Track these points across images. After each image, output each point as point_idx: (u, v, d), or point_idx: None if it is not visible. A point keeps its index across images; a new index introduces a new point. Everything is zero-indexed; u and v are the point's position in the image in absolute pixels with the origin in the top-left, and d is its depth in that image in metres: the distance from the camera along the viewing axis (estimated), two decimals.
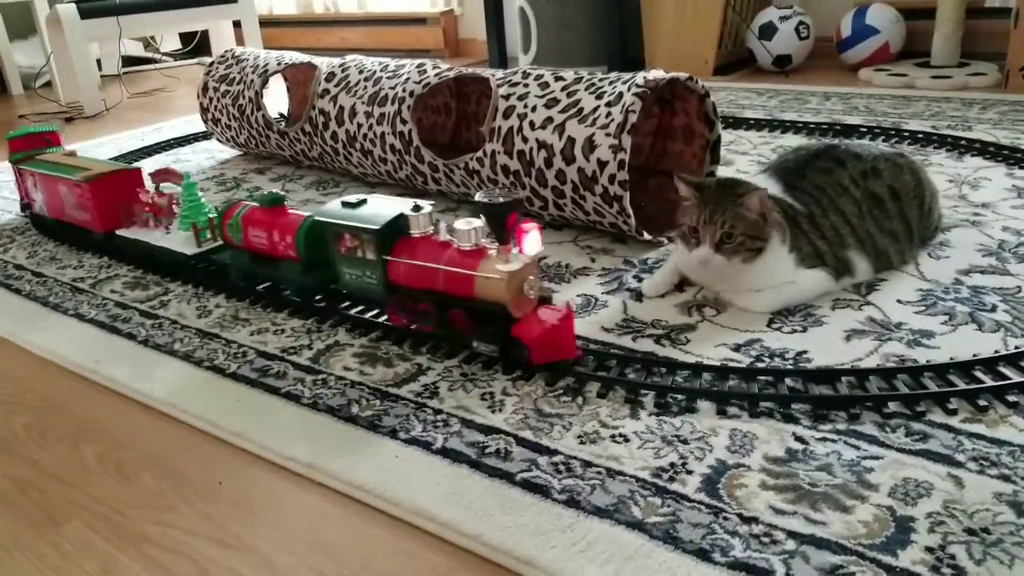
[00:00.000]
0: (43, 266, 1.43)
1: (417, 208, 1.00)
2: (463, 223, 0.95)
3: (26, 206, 1.66)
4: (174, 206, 1.36)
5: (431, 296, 0.98)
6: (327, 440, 0.85)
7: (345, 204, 1.04)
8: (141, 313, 1.20)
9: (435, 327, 0.99)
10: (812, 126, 1.90)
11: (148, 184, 1.44)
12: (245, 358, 1.04)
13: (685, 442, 0.80)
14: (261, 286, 1.22)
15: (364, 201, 1.04)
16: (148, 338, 1.12)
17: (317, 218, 1.05)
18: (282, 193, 1.18)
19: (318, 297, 1.16)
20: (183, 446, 0.89)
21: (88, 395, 1.02)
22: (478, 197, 0.91)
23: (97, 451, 0.90)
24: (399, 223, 1.00)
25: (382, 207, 1.03)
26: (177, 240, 1.32)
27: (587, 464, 0.77)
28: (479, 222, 0.94)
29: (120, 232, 1.39)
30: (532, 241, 0.93)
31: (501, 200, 0.90)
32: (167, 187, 1.40)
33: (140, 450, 0.89)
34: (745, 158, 1.71)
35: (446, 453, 0.81)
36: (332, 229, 1.03)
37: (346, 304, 1.14)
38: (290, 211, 1.16)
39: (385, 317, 1.08)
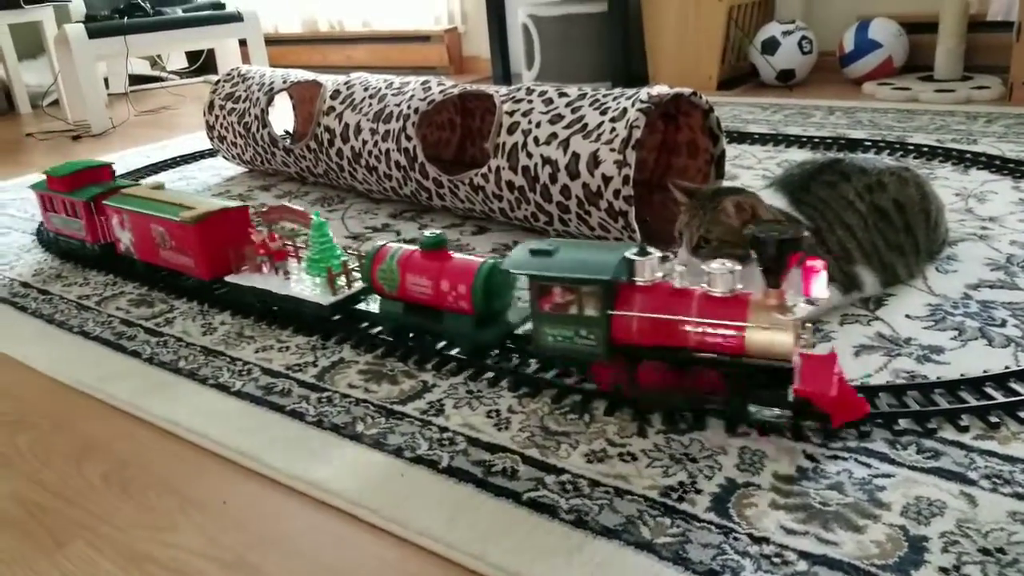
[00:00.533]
0: (49, 284, 1.43)
1: (643, 252, 0.85)
2: (718, 265, 0.81)
3: (106, 245, 1.45)
4: (296, 249, 1.22)
5: (671, 354, 0.83)
6: (332, 459, 0.85)
7: (537, 252, 0.86)
8: (146, 331, 1.20)
9: (675, 391, 0.84)
10: (816, 140, 1.89)
11: (242, 218, 1.29)
12: (250, 375, 1.04)
13: (694, 460, 0.79)
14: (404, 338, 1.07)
15: (556, 248, 0.86)
16: (153, 356, 1.12)
17: (508, 268, 0.87)
18: (444, 235, 1.03)
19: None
20: (188, 465, 0.89)
21: (93, 413, 1.01)
22: (755, 232, 0.77)
23: (101, 470, 0.89)
24: (623, 271, 0.84)
25: (592, 253, 0.85)
26: (303, 288, 1.14)
27: (595, 483, 0.77)
28: (733, 264, 0.81)
29: (231, 279, 1.21)
30: (820, 284, 0.76)
31: (784, 235, 0.75)
32: (278, 225, 1.24)
33: (145, 469, 0.89)
34: (750, 172, 1.71)
35: (452, 472, 0.80)
36: (536, 283, 0.85)
37: (351, 320, 1.13)
38: (454, 255, 1.01)
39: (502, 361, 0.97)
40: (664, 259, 0.86)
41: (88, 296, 1.36)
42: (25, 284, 1.45)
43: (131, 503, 0.83)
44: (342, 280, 1.13)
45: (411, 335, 1.07)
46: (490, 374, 0.98)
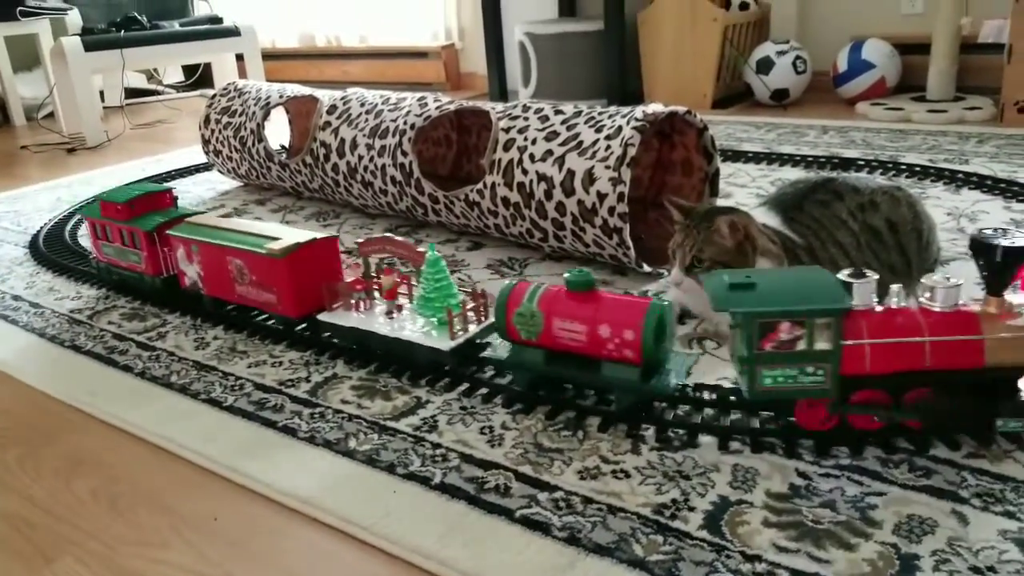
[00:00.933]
0: (41, 297, 1.43)
1: (859, 274, 0.80)
2: (940, 280, 0.78)
3: (168, 278, 1.32)
4: (404, 286, 1.10)
5: (911, 380, 0.78)
6: (324, 475, 0.84)
7: (739, 286, 0.78)
8: (138, 345, 1.20)
9: (928, 416, 0.79)
10: (810, 159, 1.91)
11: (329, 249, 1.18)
12: (242, 391, 1.03)
13: (687, 477, 0.79)
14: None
15: (755, 280, 0.79)
16: (145, 370, 1.12)
17: (724, 308, 0.78)
18: (590, 272, 0.91)
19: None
20: (179, 480, 0.88)
21: (83, 428, 1.01)
22: (981, 237, 0.75)
23: (91, 485, 0.89)
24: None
25: (802, 281, 0.80)
26: (414, 330, 1.03)
27: (588, 500, 0.76)
28: (956, 279, 0.78)
29: (325, 318, 1.09)
30: None
31: (1013, 242, 0.72)
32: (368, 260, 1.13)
33: (135, 484, 0.88)
34: (744, 191, 1.72)
35: (444, 488, 0.80)
36: (758, 320, 0.76)
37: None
38: (604, 293, 0.90)
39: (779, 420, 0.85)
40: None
41: (80, 310, 1.35)
42: (16, 297, 1.44)
43: (121, 519, 0.82)
44: (460, 323, 1.00)
45: (548, 386, 0.95)
46: (484, 390, 0.98)
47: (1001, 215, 1.45)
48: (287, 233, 1.17)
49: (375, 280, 1.11)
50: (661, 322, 0.86)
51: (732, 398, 0.89)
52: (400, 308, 1.08)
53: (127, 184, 1.36)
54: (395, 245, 1.07)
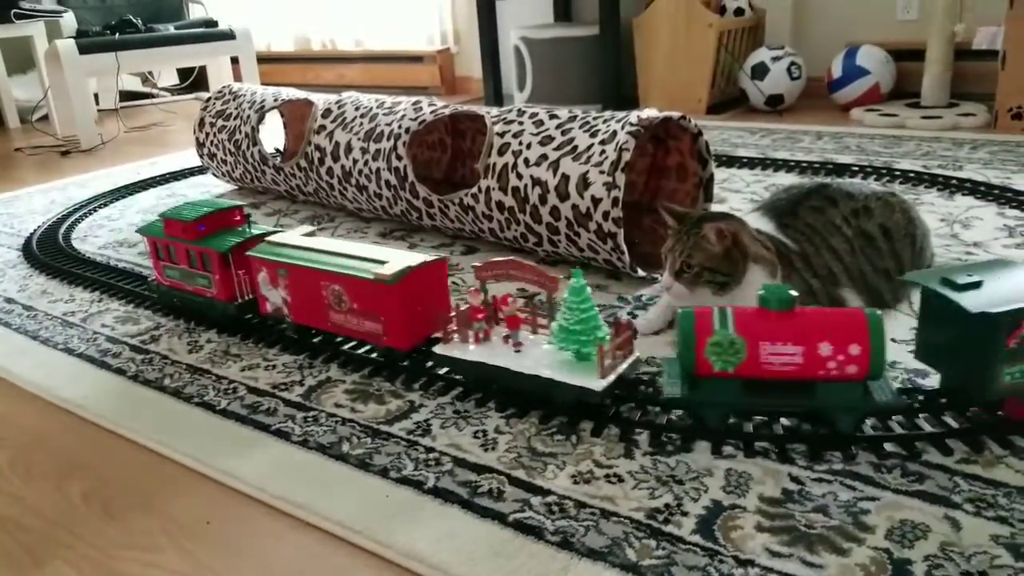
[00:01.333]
0: (34, 300, 1.42)
1: None
2: None
3: (244, 304, 1.21)
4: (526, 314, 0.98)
5: None
6: (317, 479, 0.84)
7: (967, 286, 0.79)
8: (132, 348, 1.20)
9: None
10: (804, 165, 1.91)
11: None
12: (235, 394, 1.03)
13: (680, 482, 0.79)
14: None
15: (979, 278, 0.80)
16: (138, 373, 1.11)
17: (973, 309, 0.76)
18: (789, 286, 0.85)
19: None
20: (171, 484, 0.88)
21: (76, 431, 1.00)
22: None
23: (83, 488, 0.88)
24: None
25: (1012, 274, 0.81)
26: (549, 364, 0.91)
27: (581, 505, 0.76)
28: None
29: (442, 351, 0.97)
30: None
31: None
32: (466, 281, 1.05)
33: (127, 487, 0.88)
34: (738, 196, 1.72)
35: (437, 493, 0.80)
36: (1007, 318, 0.75)
37: (339, 339, 1.13)
38: (806, 309, 0.83)
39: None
40: None
41: (73, 312, 1.35)
42: (10, 300, 1.44)
43: (113, 523, 0.82)
44: (610, 358, 0.88)
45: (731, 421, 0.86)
46: (477, 394, 0.97)
47: (994, 221, 1.45)
48: (393, 256, 1.05)
49: (496, 307, 0.98)
50: (884, 331, 0.80)
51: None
52: (519, 342, 0.96)
53: (193, 203, 1.27)
54: (521, 269, 0.94)
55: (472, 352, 0.96)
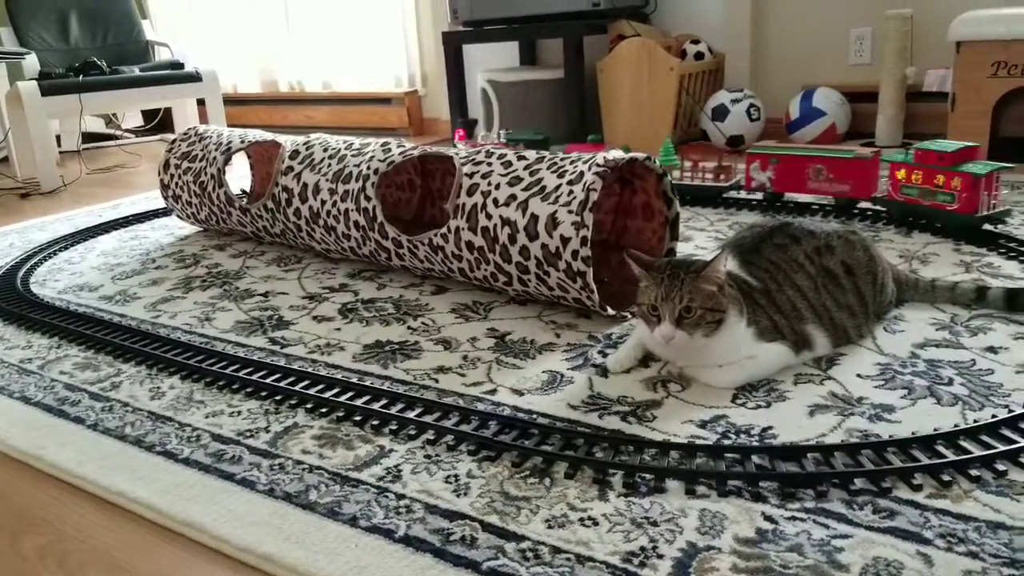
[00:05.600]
0: None
1: None
2: None
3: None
4: None
5: None
6: (284, 530, 0.82)
7: None
8: (91, 395, 1.16)
9: None
10: (766, 203, 1.95)
11: None
12: (199, 442, 1.00)
13: (655, 524, 0.78)
14: None
15: None
16: (98, 422, 1.08)
17: None
18: None
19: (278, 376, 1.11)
20: (131, 538, 0.85)
21: (31, 483, 0.97)
22: None
23: (38, 544, 0.85)
24: None
25: None
26: None
27: (556, 550, 0.75)
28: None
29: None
30: None
31: None
32: None
33: (84, 543, 0.84)
34: (703, 234, 1.75)
35: (409, 541, 0.78)
36: None
37: (306, 383, 1.12)
38: None
39: None
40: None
41: (31, 359, 1.31)
42: None
43: None
44: None
45: None
46: (449, 438, 0.96)
47: (951, 257, 1.49)
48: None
49: None
50: None
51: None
52: None
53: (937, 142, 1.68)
54: None
55: None
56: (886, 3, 2.61)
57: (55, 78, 2.97)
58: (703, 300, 0.99)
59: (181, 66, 3.37)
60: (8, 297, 1.63)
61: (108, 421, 1.08)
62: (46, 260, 1.94)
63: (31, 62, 3.30)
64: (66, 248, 2.04)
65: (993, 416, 0.92)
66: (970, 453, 0.85)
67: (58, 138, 3.57)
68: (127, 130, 4.22)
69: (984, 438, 0.87)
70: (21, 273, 1.81)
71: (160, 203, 2.39)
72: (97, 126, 4.13)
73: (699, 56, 2.85)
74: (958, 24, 2.16)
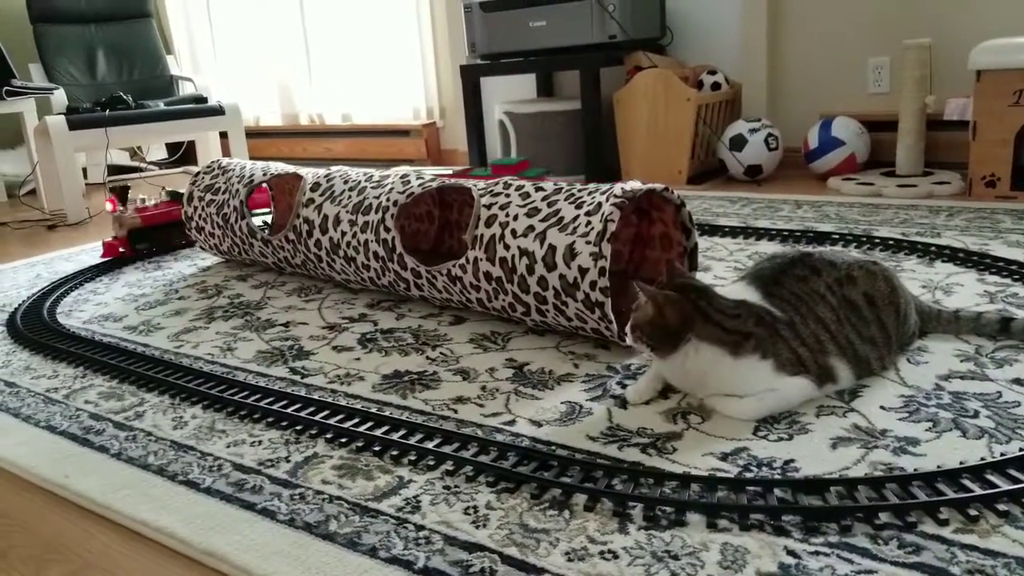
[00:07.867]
0: (16, 376, 1.40)
1: None
2: None
3: None
4: None
5: None
6: (304, 560, 0.82)
7: None
8: (115, 425, 1.17)
9: None
10: (786, 233, 1.95)
11: None
12: (220, 471, 1.01)
13: (676, 558, 0.77)
14: None
15: None
16: (121, 451, 1.09)
17: None
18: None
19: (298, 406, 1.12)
20: (153, 567, 0.85)
21: (56, 511, 0.98)
22: None
23: (62, 572, 0.85)
24: None
25: None
26: None
27: None
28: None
29: None
30: None
31: None
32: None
33: (108, 571, 0.85)
34: (722, 264, 1.75)
35: (428, 573, 0.78)
36: None
37: (325, 413, 1.12)
38: None
39: None
40: None
41: (56, 388, 1.33)
42: None
43: None
44: None
45: None
46: (468, 469, 0.96)
47: (974, 287, 1.48)
48: None
49: None
50: None
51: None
52: None
53: None
54: None
55: None
56: (904, 32, 2.62)
57: (82, 112, 3.04)
58: (640, 319, 1.06)
59: (204, 100, 3.44)
60: (35, 327, 1.66)
61: (132, 450, 1.09)
62: (72, 291, 1.97)
63: (59, 97, 3.38)
64: (92, 279, 2.07)
65: (1021, 449, 0.90)
66: (997, 487, 0.83)
67: (84, 171, 3.64)
68: (151, 163, 4.30)
69: (1011, 472, 0.86)
70: (48, 304, 1.84)
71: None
72: (122, 158, 4.21)
73: (716, 86, 2.87)
74: (978, 53, 2.16)
